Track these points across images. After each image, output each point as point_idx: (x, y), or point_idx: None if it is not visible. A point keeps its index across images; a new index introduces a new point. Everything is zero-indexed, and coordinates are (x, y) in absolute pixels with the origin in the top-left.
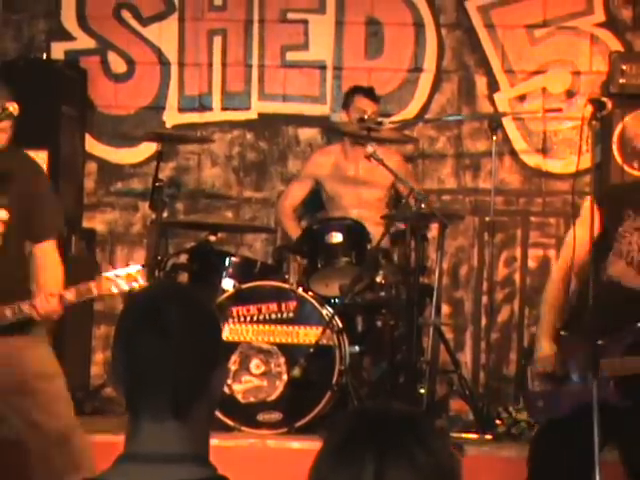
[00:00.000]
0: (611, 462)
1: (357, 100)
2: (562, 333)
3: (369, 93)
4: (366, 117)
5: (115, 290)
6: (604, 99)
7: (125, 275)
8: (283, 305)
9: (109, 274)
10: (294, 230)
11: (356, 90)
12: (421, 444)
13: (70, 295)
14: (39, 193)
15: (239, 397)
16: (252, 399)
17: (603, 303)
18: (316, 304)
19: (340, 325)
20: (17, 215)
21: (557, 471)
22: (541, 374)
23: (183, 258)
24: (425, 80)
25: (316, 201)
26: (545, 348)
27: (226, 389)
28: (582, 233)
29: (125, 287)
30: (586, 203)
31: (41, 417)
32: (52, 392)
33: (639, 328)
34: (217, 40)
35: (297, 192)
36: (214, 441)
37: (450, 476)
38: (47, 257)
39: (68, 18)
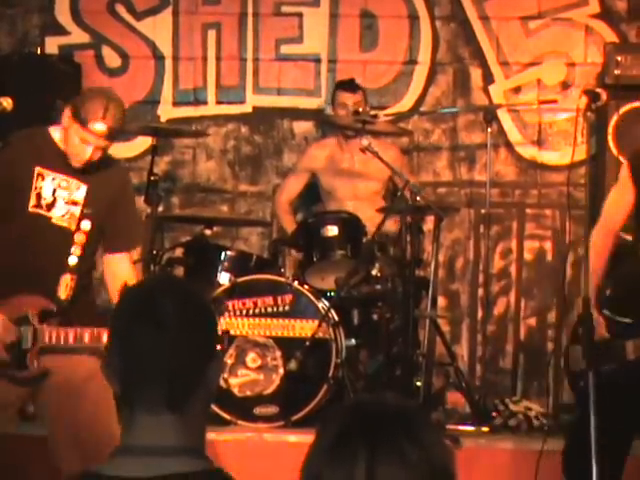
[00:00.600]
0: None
1: (338, 96)
2: (605, 312)
3: (347, 86)
4: (360, 110)
5: None
6: (599, 90)
7: None
8: (279, 299)
9: None
10: (290, 225)
11: (336, 86)
12: (413, 440)
13: None
14: (124, 206)
15: (235, 391)
16: (248, 393)
17: None
18: (312, 297)
19: (336, 318)
20: (97, 225)
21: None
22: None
23: (179, 252)
24: (420, 72)
25: (312, 194)
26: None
27: (222, 383)
28: (617, 197)
29: None
30: (623, 166)
31: (90, 422)
32: (108, 409)
33: None
34: (211, 34)
35: (293, 186)
36: (210, 435)
37: (443, 472)
38: (124, 268)
39: (62, 12)
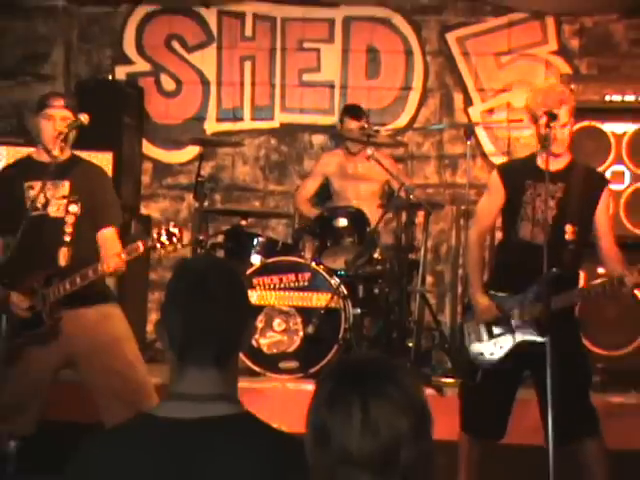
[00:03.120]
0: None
1: (345, 120)
2: (491, 292)
3: (353, 113)
4: (366, 126)
5: (159, 245)
6: (555, 111)
7: (167, 233)
8: (299, 276)
9: (154, 234)
10: (311, 212)
11: (344, 111)
12: (395, 383)
13: (127, 252)
14: (102, 192)
15: (264, 349)
16: (275, 350)
17: (519, 260)
18: (326, 275)
19: (345, 292)
20: (86, 208)
21: (487, 404)
22: (485, 324)
23: (220, 238)
24: (413, 97)
25: (324, 194)
26: (482, 302)
27: (254, 342)
28: (488, 202)
29: (167, 241)
30: (492, 176)
31: (119, 369)
32: (127, 351)
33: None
34: (247, 64)
35: (310, 186)
36: (244, 384)
37: (420, 405)
38: (108, 239)
39: (129, 47)
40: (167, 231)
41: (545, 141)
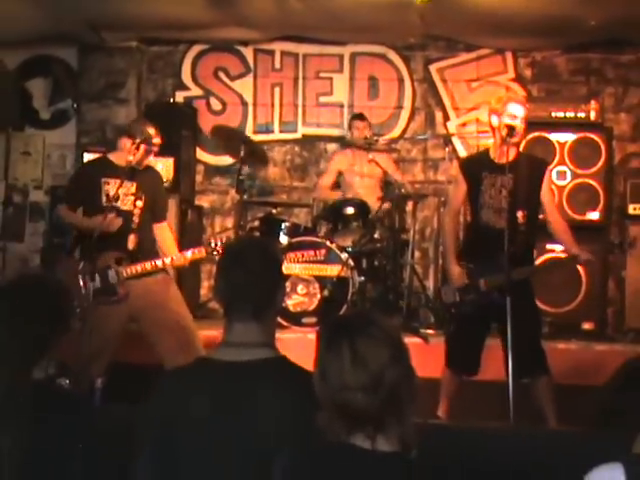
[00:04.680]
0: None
1: (353, 123)
2: (462, 263)
3: (359, 117)
4: (368, 136)
5: (215, 253)
6: (514, 124)
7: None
8: (317, 251)
9: (212, 243)
10: (331, 195)
11: (352, 117)
12: (376, 325)
13: (193, 253)
14: (161, 191)
15: (290, 308)
16: (299, 309)
17: (482, 239)
18: (337, 251)
19: (352, 264)
20: (147, 204)
21: (463, 347)
22: (457, 288)
23: (256, 223)
24: (404, 113)
25: (335, 185)
26: (456, 271)
27: (283, 303)
28: (455, 190)
29: (220, 250)
30: (456, 168)
31: (170, 323)
32: (177, 309)
33: (504, 254)
34: (277, 89)
35: (327, 180)
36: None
37: (395, 339)
38: (165, 230)
39: (186, 76)
40: (221, 242)
41: (504, 143)
